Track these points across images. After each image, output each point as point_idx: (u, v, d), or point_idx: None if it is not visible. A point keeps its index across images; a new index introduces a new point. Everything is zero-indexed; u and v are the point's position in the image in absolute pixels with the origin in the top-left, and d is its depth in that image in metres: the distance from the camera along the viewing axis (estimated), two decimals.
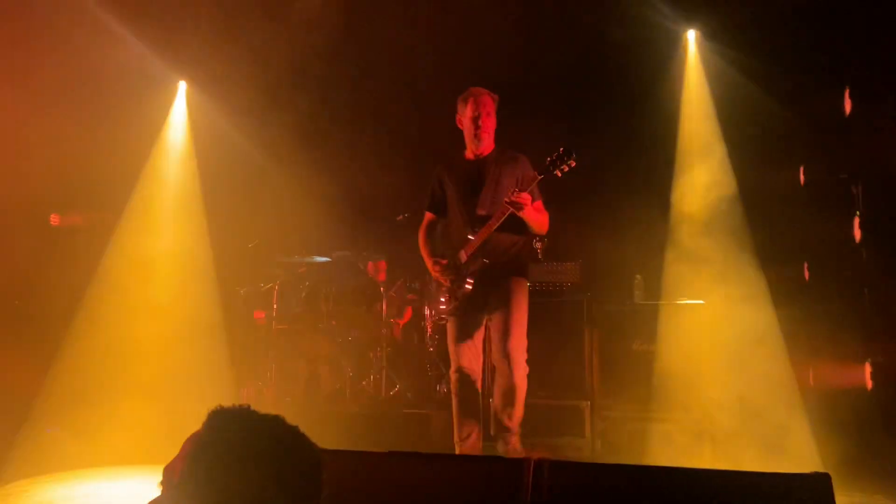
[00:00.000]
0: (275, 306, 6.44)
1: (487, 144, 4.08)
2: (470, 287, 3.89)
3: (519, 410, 3.84)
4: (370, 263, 6.67)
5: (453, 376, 4.00)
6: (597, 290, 5.45)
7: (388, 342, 6.15)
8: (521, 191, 3.71)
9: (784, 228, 5.58)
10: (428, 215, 4.28)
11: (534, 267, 5.62)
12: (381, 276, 6.58)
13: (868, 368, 4.94)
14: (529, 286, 5.52)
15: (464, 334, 3.98)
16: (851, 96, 4.44)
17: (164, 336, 6.09)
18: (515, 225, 3.91)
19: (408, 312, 6.63)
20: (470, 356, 3.96)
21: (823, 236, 5.23)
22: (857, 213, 4.77)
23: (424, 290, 6.29)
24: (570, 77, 6.48)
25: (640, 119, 6.18)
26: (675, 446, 4.62)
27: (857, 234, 4.69)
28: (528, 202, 3.73)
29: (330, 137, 6.92)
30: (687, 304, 5.21)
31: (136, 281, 6.33)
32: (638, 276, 5.42)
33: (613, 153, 6.14)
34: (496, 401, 3.91)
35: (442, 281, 4.05)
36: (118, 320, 6.01)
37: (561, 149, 3.63)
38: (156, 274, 6.49)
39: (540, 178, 3.71)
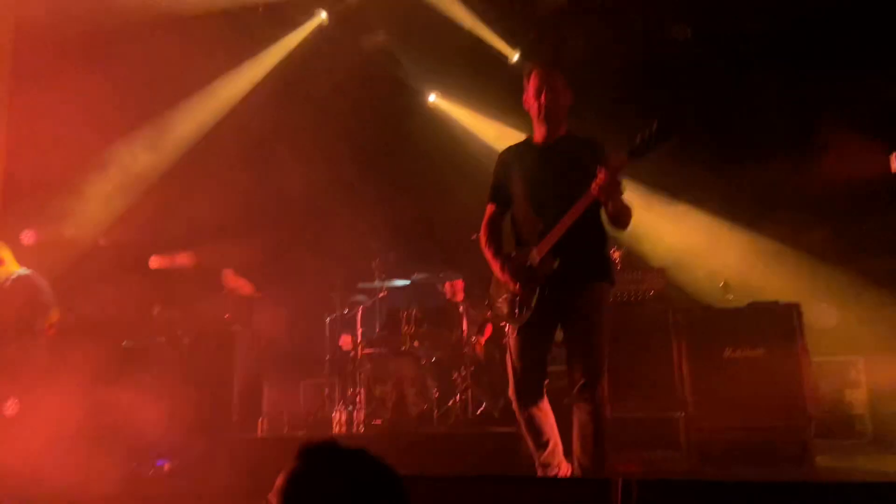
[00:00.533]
0: (359, 331, 6.59)
1: (556, 126, 3.49)
2: (541, 293, 3.30)
3: (601, 452, 3.23)
4: (447, 284, 6.74)
5: (517, 401, 3.45)
6: (681, 298, 5.32)
7: (471, 361, 6.17)
8: (610, 172, 3.10)
9: (877, 220, 5.30)
10: (491, 207, 3.68)
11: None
12: (459, 296, 6.63)
13: None
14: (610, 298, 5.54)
15: (531, 349, 3.42)
16: None
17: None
18: (594, 219, 3.36)
19: (488, 329, 6.64)
20: (535, 377, 3.44)
21: None
22: None
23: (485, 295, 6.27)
24: None
25: None
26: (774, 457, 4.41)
27: None
28: (619, 184, 3.15)
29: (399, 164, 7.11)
30: (779, 303, 4.99)
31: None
32: (724, 282, 5.24)
33: None
34: (575, 444, 3.30)
35: (510, 285, 3.42)
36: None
37: (655, 124, 3.01)
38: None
39: (629, 160, 3.09)
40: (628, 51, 6.32)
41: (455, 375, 6.19)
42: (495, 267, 3.50)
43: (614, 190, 3.12)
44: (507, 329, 3.55)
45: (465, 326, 6.22)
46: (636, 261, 5.69)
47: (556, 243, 3.27)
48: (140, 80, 6.92)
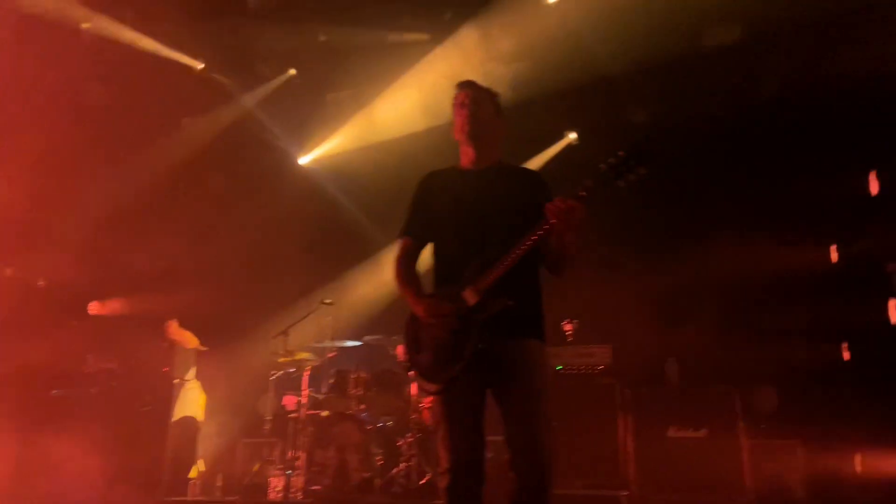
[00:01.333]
0: (304, 392, 6.42)
1: (486, 149, 3.00)
2: (482, 345, 2.69)
3: None
4: (400, 346, 6.66)
5: (444, 479, 2.72)
6: (629, 374, 5.38)
7: (418, 428, 6.05)
8: (575, 198, 2.56)
9: (819, 307, 5.51)
10: (405, 242, 3.06)
11: (563, 350, 5.59)
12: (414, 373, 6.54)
13: None
14: (561, 369, 5.59)
15: (462, 413, 2.75)
16: (879, 177, 4.44)
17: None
18: (534, 264, 2.85)
19: None
20: (469, 446, 2.73)
21: (860, 316, 5.15)
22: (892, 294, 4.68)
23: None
24: None
25: None
26: None
27: (894, 316, 4.60)
28: (582, 215, 2.57)
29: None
30: (722, 386, 5.11)
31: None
32: (670, 359, 5.34)
33: None
34: None
35: (439, 330, 2.78)
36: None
37: (622, 153, 2.52)
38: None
39: (590, 187, 2.57)
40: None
41: (401, 442, 6.05)
42: (419, 309, 2.86)
43: (574, 219, 2.57)
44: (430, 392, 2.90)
45: (413, 392, 6.12)
46: (587, 335, 5.75)
47: (497, 281, 2.71)
48: (95, 117, 6.84)
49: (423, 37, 6.87)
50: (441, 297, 2.85)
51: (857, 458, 5.22)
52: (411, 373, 2.94)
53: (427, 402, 6.40)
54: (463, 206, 2.93)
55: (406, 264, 3.03)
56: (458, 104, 3.00)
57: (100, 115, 6.98)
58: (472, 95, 2.99)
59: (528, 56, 6.86)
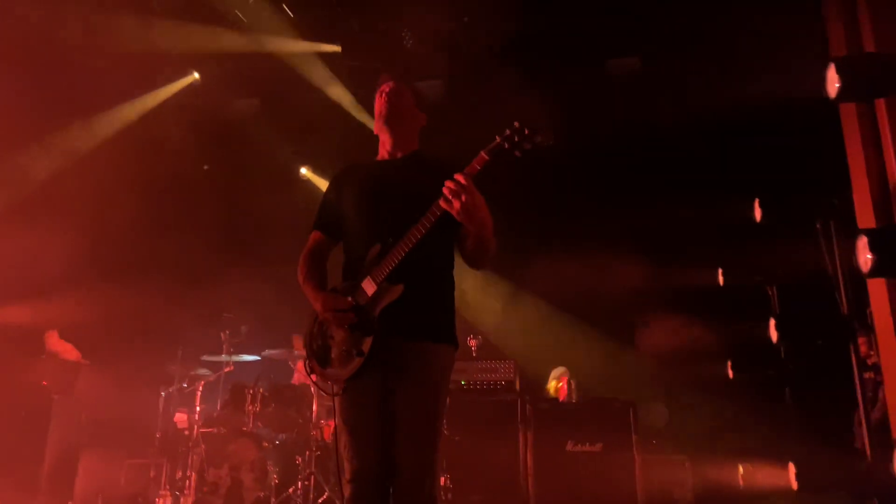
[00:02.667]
0: (198, 408, 6.13)
1: (402, 139, 2.90)
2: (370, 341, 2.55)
3: None
4: (300, 362, 6.49)
5: (348, 489, 2.57)
6: (529, 389, 5.48)
7: (318, 445, 5.90)
8: (466, 174, 2.45)
9: (707, 326, 5.82)
10: (314, 235, 2.93)
11: (467, 365, 5.62)
12: (314, 376, 6.38)
13: (792, 469, 5.04)
14: (464, 385, 5.61)
15: (365, 416, 2.59)
16: (761, 206, 4.75)
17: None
18: (444, 255, 2.74)
19: None
20: (374, 453, 2.55)
21: (743, 336, 5.47)
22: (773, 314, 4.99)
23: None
24: None
25: None
26: None
27: (774, 334, 4.91)
28: (476, 192, 2.46)
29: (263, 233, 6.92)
30: (617, 400, 5.28)
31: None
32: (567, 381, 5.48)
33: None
34: None
35: (336, 325, 2.64)
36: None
37: (518, 123, 2.45)
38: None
39: (487, 158, 2.48)
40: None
41: (299, 460, 5.88)
42: (317, 304, 2.69)
43: (469, 198, 2.42)
44: (331, 393, 2.72)
45: (315, 408, 5.97)
46: (490, 350, 5.82)
47: (396, 269, 2.55)
48: None
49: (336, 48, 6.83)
50: (339, 291, 2.69)
51: (739, 471, 5.51)
52: (312, 376, 2.78)
53: (333, 420, 6.28)
54: (370, 197, 2.79)
55: (310, 259, 2.87)
56: (378, 93, 2.91)
57: None
58: (390, 87, 2.90)
59: (439, 75, 6.95)
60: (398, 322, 2.57)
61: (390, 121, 2.87)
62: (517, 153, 2.45)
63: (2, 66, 6.32)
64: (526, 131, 2.43)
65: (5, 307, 6.84)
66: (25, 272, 6.62)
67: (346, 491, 2.57)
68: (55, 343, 6.63)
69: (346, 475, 2.59)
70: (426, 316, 2.64)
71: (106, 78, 6.76)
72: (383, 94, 2.89)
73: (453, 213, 2.45)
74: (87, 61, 6.50)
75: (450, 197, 2.44)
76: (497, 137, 2.47)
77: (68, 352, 6.66)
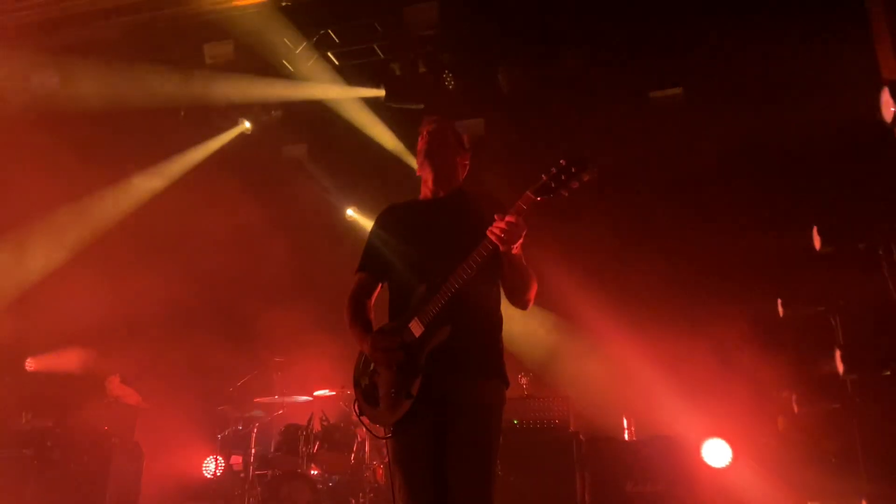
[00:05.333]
0: (252, 450, 6.19)
1: (444, 178, 2.90)
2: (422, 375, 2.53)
3: None
4: (355, 402, 6.49)
5: None
6: (586, 428, 5.35)
7: (371, 486, 5.87)
8: (513, 212, 2.46)
9: (768, 359, 5.63)
10: (359, 277, 2.94)
11: (519, 403, 5.53)
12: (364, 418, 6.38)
13: None
14: (516, 424, 5.51)
15: (418, 458, 2.56)
16: (820, 233, 4.62)
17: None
18: (489, 292, 2.71)
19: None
20: (429, 495, 2.50)
21: (807, 368, 5.27)
22: (839, 345, 4.81)
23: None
24: None
25: None
26: None
27: (840, 366, 4.71)
28: (523, 229, 2.47)
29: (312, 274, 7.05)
30: (679, 438, 5.12)
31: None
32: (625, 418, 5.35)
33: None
34: None
35: (384, 366, 2.63)
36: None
37: (564, 161, 2.40)
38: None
39: (538, 199, 2.44)
40: None
41: (353, 502, 5.85)
42: (364, 346, 2.69)
43: (515, 235, 2.45)
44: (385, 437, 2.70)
45: (367, 449, 5.96)
46: (542, 388, 5.72)
47: (443, 309, 2.54)
48: (46, 168, 6.67)
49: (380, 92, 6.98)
50: (386, 331, 2.68)
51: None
52: (363, 417, 2.78)
53: (385, 459, 6.25)
54: (414, 236, 2.80)
55: (356, 300, 2.88)
56: (420, 136, 2.95)
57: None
58: (432, 127, 2.94)
59: (481, 113, 7.03)
60: (447, 362, 2.54)
61: (431, 160, 2.88)
62: (564, 192, 2.40)
63: (64, 122, 6.67)
64: (573, 169, 2.39)
65: (70, 352, 7.09)
66: (88, 319, 6.85)
67: None
68: (116, 388, 6.81)
69: None
70: (475, 354, 2.62)
71: (162, 131, 7.07)
72: (424, 134, 2.93)
73: (502, 256, 2.51)
74: (143, 117, 6.81)
75: (503, 236, 2.44)
76: (543, 176, 2.43)
77: (129, 396, 6.83)
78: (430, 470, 2.51)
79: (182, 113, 7.24)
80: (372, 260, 2.93)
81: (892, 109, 2.90)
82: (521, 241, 2.50)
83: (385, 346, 2.60)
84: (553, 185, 2.41)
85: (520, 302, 2.73)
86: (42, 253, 7.18)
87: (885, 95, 2.90)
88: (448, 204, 2.86)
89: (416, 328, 2.59)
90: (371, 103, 7.11)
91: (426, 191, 2.95)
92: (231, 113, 7.57)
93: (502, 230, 2.43)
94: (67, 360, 7.09)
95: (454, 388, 2.55)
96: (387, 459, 6.12)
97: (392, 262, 2.84)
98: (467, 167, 3.01)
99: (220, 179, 7.18)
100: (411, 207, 2.98)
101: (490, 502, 2.47)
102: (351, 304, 2.87)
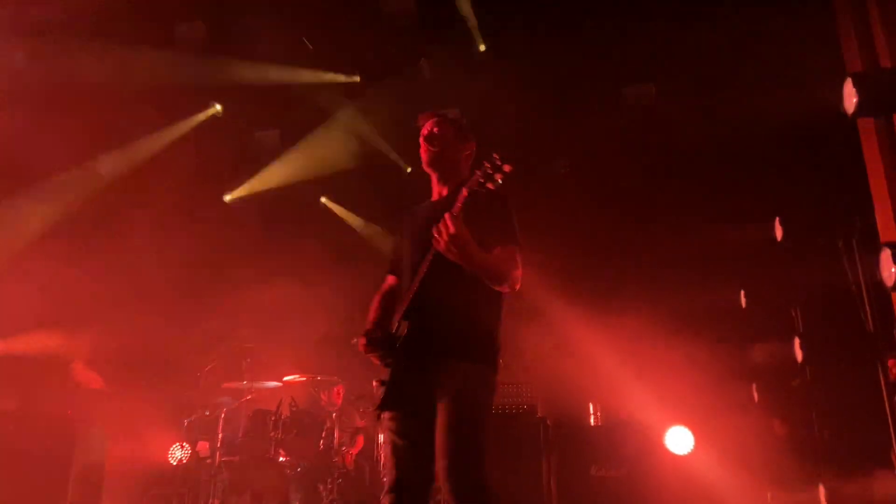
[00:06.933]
0: (220, 436, 6.14)
1: (448, 177, 3.00)
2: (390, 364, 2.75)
3: None
4: (324, 391, 6.48)
5: (386, 499, 2.67)
6: (553, 414, 5.42)
7: (340, 472, 5.87)
8: (449, 215, 2.56)
9: (730, 349, 5.76)
10: (388, 278, 3.17)
11: None
12: (337, 402, 6.38)
13: (823, 492, 4.95)
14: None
15: (402, 435, 2.72)
16: (782, 224, 4.75)
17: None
18: (459, 281, 2.70)
19: (359, 440, 6.40)
20: (409, 466, 2.68)
21: (767, 356, 5.42)
22: (798, 335, 4.95)
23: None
24: None
25: None
26: None
27: (799, 354, 4.86)
28: (459, 231, 2.54)
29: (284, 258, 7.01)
30: (641, 424, 5.22)
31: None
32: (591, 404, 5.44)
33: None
34: None
35: (371, 358, 2.86)
36: None
37: (496, 155, 2.57)
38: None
39: (465, 195, 2.59)
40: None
41: (321, 487, 5.85)
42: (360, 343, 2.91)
43: (451, 235, 2.53)
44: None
45: (336, 435, 5.96)
46: (512, 374, 5.78)
47: (409, 304, 2.73)
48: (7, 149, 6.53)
49: (355, 79, 6.96)
50: (375, 328, 2.94)
51: (767, 498, 5.41)
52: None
53: (355, 447, 6.28)
54: (413, 238, 2.93)
55: (378, 299, 3.10)
56: (420, 138, 3.02)
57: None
58: (429, 127, 3.00)
59: (456, 104, 7.05)
60: (418, 349, 2.71)
61: (431, 164, 3.00)
62: (490, 185, 2.56)
63: (32, 103, 6.53)
64: (498, 162, 2.56)
65: (32, 336, 6.95)
66: (51, 302, 6.72)
67: (384, 502, 2.65)
68: (80, 372, 6.70)
69: (385, 488, 2.70)
70: (446, 341, 2.72)
71: (131, 111, 6.96)
72: (421, 141, 3.01)
73: (441, 251, 2.59)
74: (111, 95, 6.69)
75: (437, 236, 2.58)
76: (476, 171, 2.60)
77: (93, 381, 6.72)
78: (410, 447, 2.69)
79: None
80: (393, 262, 3.15)
81: (855, 101, 3.00)
82: (460, 244, 2.55)
83: (370, 341, 2.83)
84: (482, 180, 2.57)
85: (497, 288, 2.78)
86: (2, 234, 7.01)
87: (848, 87, 2.99)
88: (447, 203, 2.82)
89: (394, 323, 2.81)
90: (347, 89, 7.09)
91: (434, 191, 3.08)
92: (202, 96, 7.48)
93: (437, 229, 2.58)
94: (30, 344, 6.94)
95: (429, 375, 2.68)
96: (357, 448, 6.18)
97: (400, 264, 3.05)
98: (472, 153, 3.06)
99: (191, 161, 7.10)
100: (418, 209, 3.11)
101: (477, 455, 2.56)
102: (373, 304, 3.09)
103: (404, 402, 2.72)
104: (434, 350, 2.70)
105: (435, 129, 2.98)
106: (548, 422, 5.34)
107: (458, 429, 2.58)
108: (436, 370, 2.67)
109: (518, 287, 2.76)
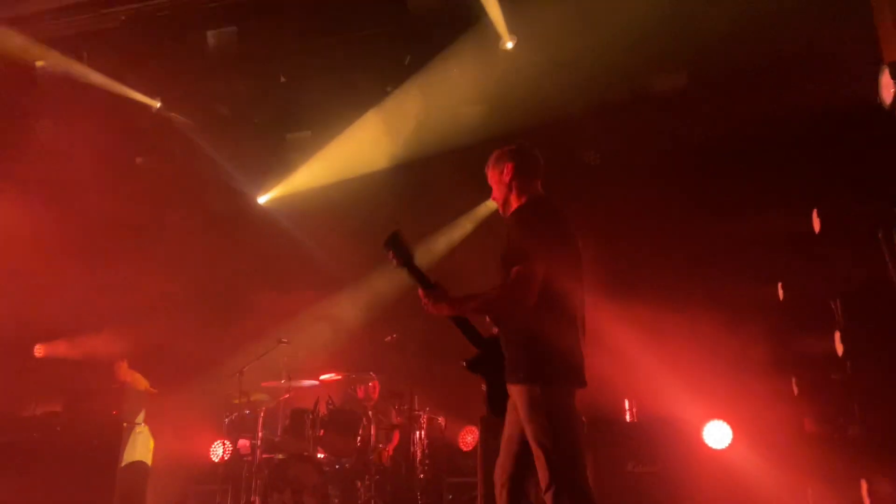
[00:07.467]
0: (259, 434, 6.26)
1: (501, 203, 3.37)
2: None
3: None
4: (360, 385, 6.57)
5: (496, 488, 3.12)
6: (589, 411, 5.40)
7: (377, 469, 5.95)
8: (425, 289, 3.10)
9: (768, 342, 5.67)
10: None
11: None
12: (373, 399, 6.46)
13: (864, 486, 4.85)
14: None
15: (504, 441, 3.19)
16: (819, 216, 4.65)
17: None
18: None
19: (395, 437, 6.47)
20: (504, 465, 3.13)
21: (806, 350, 5.31)
22: (839, 328, 4.85)
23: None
24: None
25: None
26: None
27: (840, 348, 4.76)
28: (429, 301, 3.09)
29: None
30: (678, 420, 5.18)
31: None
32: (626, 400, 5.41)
33: None
34: None
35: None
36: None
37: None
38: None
39: (408, 271, 3.15)
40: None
41: (359, 484, 5.94)
42: None
43: (425, 307, 3.09)
44: None
45: (373, 432, 6.03)
46: None
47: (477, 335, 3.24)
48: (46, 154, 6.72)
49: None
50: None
51: (808, 493, 5.33)
52: None
53: (391, 443, 6.35)
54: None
55: None
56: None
57: (50, 152, 6.87)
58: (491, 164, 3.36)
59: (484, 100, 7.04)
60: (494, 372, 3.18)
61: (494, 195, 3.38)
62: (400, 261, 3.09)
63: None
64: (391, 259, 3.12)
65: (78, 338, 7.16)
66: (95, 305, 6.92)
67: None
68: (125, 373, 6.89)
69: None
70: (508, 366, 3.09)
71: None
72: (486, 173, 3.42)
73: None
74: None
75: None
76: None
77: (137, 381, 6.90)
78: (506, 451, 3.15)
79: None
80: None
81: (893, 91, 2.93)
82: (434, 306, 3.06)
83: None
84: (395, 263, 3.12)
85: (506, 315, 3.13)
86: (43, 239, 7.21)
87: (886, 77, 2.92)
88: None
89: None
90: None
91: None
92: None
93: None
94: (76, 346, 7.16)
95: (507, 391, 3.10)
96: (393, 444, 6.25)
97: None
98: (511, 177, 3.27)
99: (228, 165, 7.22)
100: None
101: (560, 476, 2.84)
102: None
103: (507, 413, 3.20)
104: (509, 374, 3.10)
105: (490, 170, 3.36)
106: (583, 419, 5.31)
107: (535, 443, 2.93)
108: (510, 390, 3.09)
109: (531, 301, 2.92)
